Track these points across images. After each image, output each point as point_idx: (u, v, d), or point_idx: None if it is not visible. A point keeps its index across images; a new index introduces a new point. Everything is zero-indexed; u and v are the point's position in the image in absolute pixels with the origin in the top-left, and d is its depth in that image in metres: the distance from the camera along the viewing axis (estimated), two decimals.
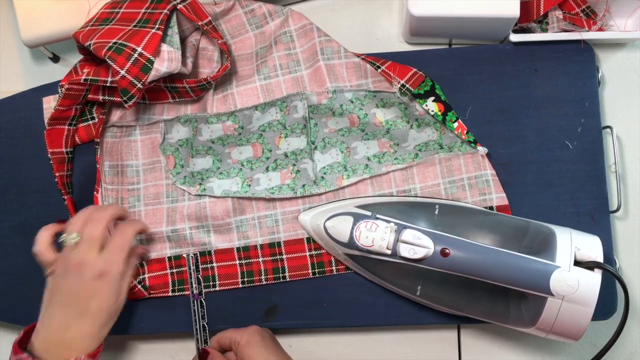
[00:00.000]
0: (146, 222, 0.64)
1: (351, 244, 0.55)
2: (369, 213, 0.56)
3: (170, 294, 0.63)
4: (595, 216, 0.60)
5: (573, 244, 0.51)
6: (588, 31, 0.62)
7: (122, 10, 0.61)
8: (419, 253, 0.52)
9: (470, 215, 0.57)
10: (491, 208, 0.60)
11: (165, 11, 0.58)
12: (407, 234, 0.53)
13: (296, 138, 0.63)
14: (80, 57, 0.64)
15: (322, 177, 0.62)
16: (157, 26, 0.58)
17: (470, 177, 0.61)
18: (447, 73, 0.63)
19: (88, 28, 0.60)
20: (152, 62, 0.56)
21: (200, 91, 0.62)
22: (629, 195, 0.64)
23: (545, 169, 0.61)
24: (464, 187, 0.61)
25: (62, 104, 0.61)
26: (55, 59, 0.71)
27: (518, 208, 0.61)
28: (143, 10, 0.60)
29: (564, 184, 0.61)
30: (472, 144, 0.61)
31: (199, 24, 0.60)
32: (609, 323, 0.62)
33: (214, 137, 0.64)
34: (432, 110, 0.61)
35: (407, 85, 0.60)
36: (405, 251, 0.52)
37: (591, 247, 0.51)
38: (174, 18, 0.60)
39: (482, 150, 0.60)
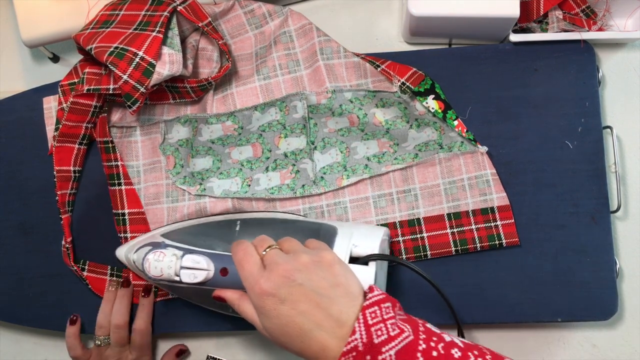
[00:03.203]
0: (148, 222, 0.64)
1: (145, 274, 0.56)
2: (161, 241, 0.57)
3: (170, 296, 0.63)
4: (595, 216, 0.60)
5: (351, 241, 0.52)
6: (588, 31, 0.62)
7: (122, 12, 0.60)
8: (199, 277, 0.53)
9: (270, 226, 0.58)
10: (492, 208, 0.60)
11: (165, 13, 0.58)
12: (187, 260, 0.53)
13: (296, 138, 0.63)
14: (80, 57, 0.64)
15: (322, 177, 0.62)
16: (157, 29, 0.57)
17: (470, 178, 0.61)
18: (447, 73, 0.63)
19: (89, 31, 0.60)
20: (153, 66, 0.56)
21: (201, 91, 0.62)
22: (629, 195, 0.64)
23: (545, 169, 0.61)
24: (464, 187, 0.61)
25: (69, 119, 0.61)
26: (55, 59, 0.71)
27: (518, 208, 0.61)
28: (143, 13, 0.59)
29: (564, 184, 0.61)
30: (472, 142, 0.61)
31: (199, 25, 0.60)
32: (609, 323, 0.62)
33: (214, 137, 0.64)
34: (433, 108, 0.61)
35: (407, 84, 0.60)
36: (186, 277, 0.53)
37: (368, 241, 0.52)
38: (174, 20, 0.60)
39: (482, 148, 0.60)
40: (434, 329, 0.44)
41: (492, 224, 0.60)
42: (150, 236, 0.60)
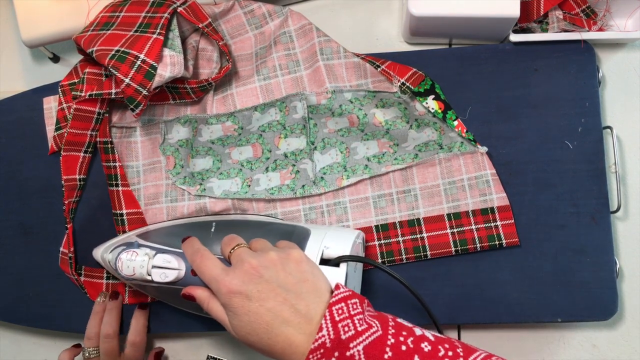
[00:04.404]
0: (147, 222, 0.64)
1: (118, 274, 0.56)
2: (134, 241, 0.57)
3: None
4: (595, 216, 0.60)
5: (323, 243, 0.52)
6: (588, 31, 0.62)
7: (122, 14, 0.60)
8: (170, 276, 0.53)
9: (244, 228, 0.58)
10: (492, 208, 0.60)
11: (165, 15, 0.58)
12: (158, 259, 0.54)
13: (296, 138, 0.63)
14: (80, 57, 0.64)
15: (322, 177, 0.62)
16: (158, 31, 0.57)
17: (470, 178, 0.61)
18: (447, 73, 0.63)
19: (89, 33, 0.59)
20: (155, 68, 0.56)
21: (201, 92, 0.62)
22: (629, 196, 0.64)
23: (545, 169, 0.61)
24: (464, 187, 0.61)
25: (73, 126, 0.61)
26: (55, 59, 0.71)
27: (518, 208, 0.61)
28: (143, 15, 0.59)
29: (564, 184, 0.61)
30: (472, 142, 0.61)
31: (200, 26, 0.60)
32: (609, 323, 0.62)
33: (214, 137, 0.64)
34: (433, 108, 0.61)
35: (407, 84, 0.60)
36: (157, 276, 0.54)
37: (340, 244, 0.52)
38: (175, 21, 0.60)
39: (482, 148, 0.60)
40: (405, 323, 0.44)
41: (492, 224, 0.60)
42: (126, 237, 0.60)
